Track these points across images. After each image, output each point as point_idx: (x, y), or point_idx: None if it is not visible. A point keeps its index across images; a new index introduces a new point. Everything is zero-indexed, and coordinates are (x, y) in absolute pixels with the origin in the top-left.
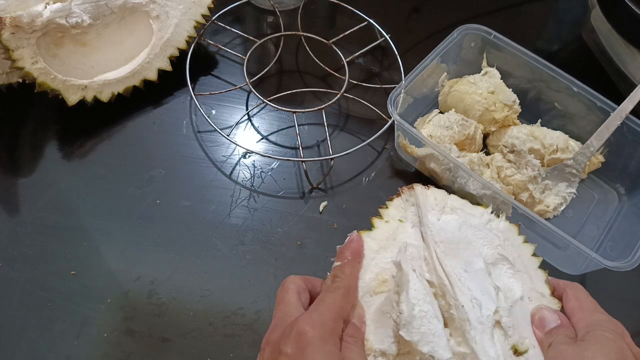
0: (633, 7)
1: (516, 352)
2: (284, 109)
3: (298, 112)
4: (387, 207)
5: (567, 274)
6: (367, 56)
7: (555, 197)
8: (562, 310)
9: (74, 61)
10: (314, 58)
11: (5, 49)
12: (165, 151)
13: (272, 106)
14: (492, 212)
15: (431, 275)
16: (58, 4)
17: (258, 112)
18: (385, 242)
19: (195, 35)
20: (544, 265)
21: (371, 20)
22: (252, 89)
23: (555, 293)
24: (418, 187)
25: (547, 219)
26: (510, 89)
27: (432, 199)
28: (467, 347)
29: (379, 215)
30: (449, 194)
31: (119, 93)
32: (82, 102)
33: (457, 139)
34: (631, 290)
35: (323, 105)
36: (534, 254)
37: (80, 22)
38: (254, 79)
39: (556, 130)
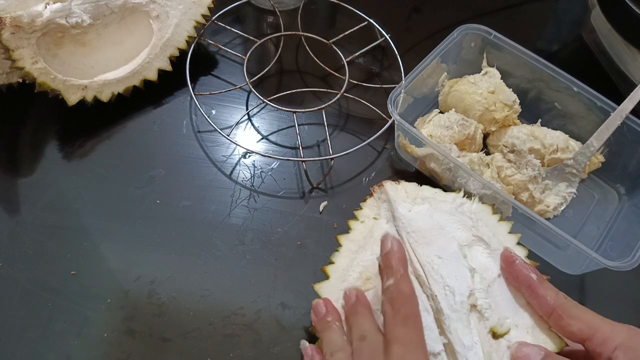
0: (633, 7)
1: (495, 335)
2: (284, 109)
3: (298, 112)
4: (361, 209)
5: (567, 273)
6: (367, 56)
7: (555, 197)
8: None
9: (74, 61)
10: (314, 58)
11: (5, 49)
12: (165, 151)
13: (272, 106)
14: (464, 196)
15: (411, 268)
16: (58, 4)
17: (258, 112)
18: (363, 240)
19: (195, 35)
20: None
21: (371, 20)
22: (252, 89)
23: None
24: (387, 184)
25: (547, 219)
26: (511, 89)
27: (403, 193)
28: (445, 337)
29: (355, 218)
30: (420, 185)
31: (119, 93)
32: (82, 102)
33: (457, 139)
34: (631, 290)
35: (323, 105)
36: (511, 232)
37: (80, 22)
38: (254, 79)
39: (556, 130)
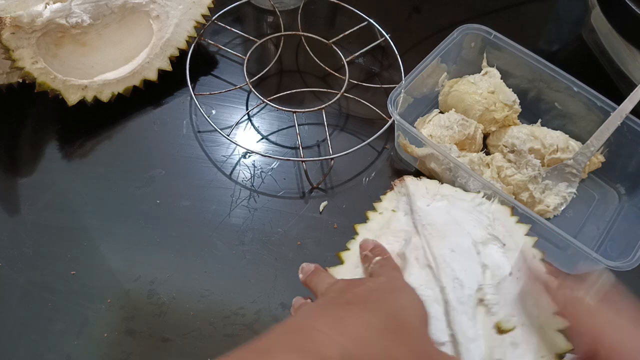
0: (633, 7)
1: (500, 331)
2: (284, 109)
3: (298, 112)
4: (380, 201)
5: (567, 274)
6: (367, 56)
7: (555, 197)
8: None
9: (74, 61)
10: (314, 58)
11: (5, 49)
12: (165, 151)
13: (272, 106)
14: (483, 197)
15: (424, 259)
16: (58, 4)
17: (258, 112)
18: (380, 231)
19: (195, 35)
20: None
21: (371, 20)
22: (252, 89)
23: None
24: (409, 178)
25: (547, 219)
26: (511, 89)
27: (423, 189)
28: (450, 328)
29: (374, 209)
30: (441, 183)
31: (119, 93)
32: (82, 102)
33: (457, 139)
34: (631, 290)
35: (323, 105)
36: (528, 234)
37: (80, 22)
38: (254, 79)
39: (556, 130)
